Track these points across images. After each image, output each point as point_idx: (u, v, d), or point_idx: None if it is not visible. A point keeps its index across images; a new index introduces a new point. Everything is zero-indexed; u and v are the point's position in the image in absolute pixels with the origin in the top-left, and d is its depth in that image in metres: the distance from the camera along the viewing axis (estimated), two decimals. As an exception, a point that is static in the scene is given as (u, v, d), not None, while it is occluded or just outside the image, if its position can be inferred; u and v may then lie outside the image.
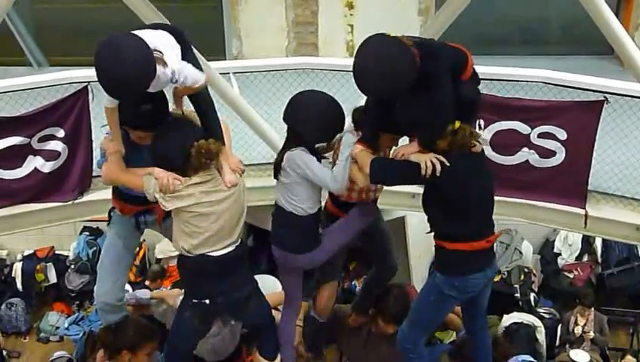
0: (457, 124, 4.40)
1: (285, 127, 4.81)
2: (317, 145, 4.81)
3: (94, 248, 11.05)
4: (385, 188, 5.34)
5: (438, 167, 4.37)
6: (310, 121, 4.68)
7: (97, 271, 5.41)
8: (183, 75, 4.46)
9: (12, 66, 11.26)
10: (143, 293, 6.08)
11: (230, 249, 4.75)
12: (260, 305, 5.10)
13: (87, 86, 6.55)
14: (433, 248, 4.82)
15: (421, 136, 4.47)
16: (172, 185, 4.53)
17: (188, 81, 4.50)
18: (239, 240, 4.83)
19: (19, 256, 11.43)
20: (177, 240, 4.73)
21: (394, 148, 4.79)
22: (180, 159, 4.55)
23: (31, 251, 11.38)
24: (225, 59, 10.76)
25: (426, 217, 4.79)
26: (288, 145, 4.77)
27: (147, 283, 10.10)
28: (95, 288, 5.36)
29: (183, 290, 5.26)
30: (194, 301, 4.86)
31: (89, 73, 6.72)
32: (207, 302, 4.81)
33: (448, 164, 4.39)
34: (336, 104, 4.76)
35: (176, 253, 5.00)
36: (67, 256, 11.36)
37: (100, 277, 5.36)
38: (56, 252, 11.51)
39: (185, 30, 4.68)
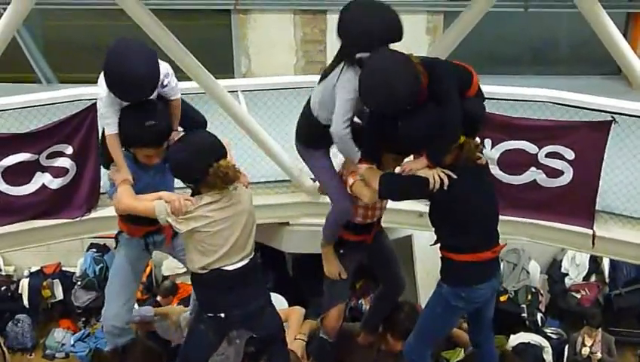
0: (462, 138, 4.45)
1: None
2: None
3: (101, 265, 11.06)
4: (392, 206, 5.35)
5: (446, 181, 4.43)
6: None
7: (105, 294, 5.40)
8: (173, 80, 4.77)
9: (21, 83, 11.31)
10: (147, 311, 6.08)
11: (245, 262, 4.76)
12: (273, 316, 5.11)
13: (95, 103, 6.56)
14: (440, 265, 4.85)
15: (430, 152, 4.50)
16: (184, 207, 4.53)
17: (173, 86, 4.80)
18: (252, 253, 4.84)
19: (25, 272, 11.44)
20: (192, 260, 4.73)
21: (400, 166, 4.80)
22: (197, 174, 4.56)
23: (38, 267, 11.39)
24: (233, 77, 10.80)
25: (433, 236, 4.81)
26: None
27: (159, 298, 10.12)
28: (103, 311, 5.35)
29: (190, 306, 5.27)
30: (209, 315, 4.86)
31: (98, 90, 6.77)
32: (223, 315, 4.82)
33: (455, 178, 4.44)
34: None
35: (184, 269, 5.01)
36: (74, 273, 11.37)
37: (108, 300, 5.35)
38: (63, 268, 11.51)
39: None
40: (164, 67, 4.76)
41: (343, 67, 4.50)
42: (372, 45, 4.36)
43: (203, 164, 4.49)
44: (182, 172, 4.69)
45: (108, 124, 4.77)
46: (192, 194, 4.69)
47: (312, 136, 4.82)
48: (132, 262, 5.35)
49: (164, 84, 4.75)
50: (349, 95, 4.46)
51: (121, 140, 4.78)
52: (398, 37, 4.43)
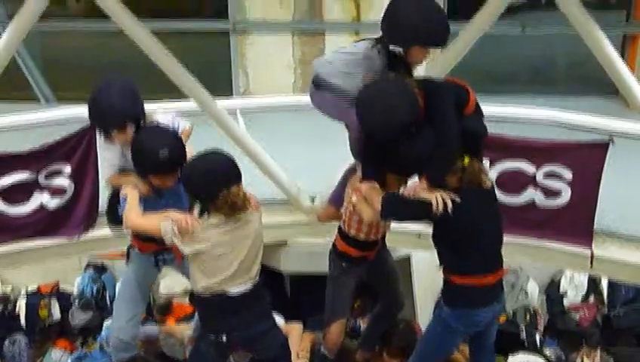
0: (467, 160, 4.45)
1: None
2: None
3: (98, 284, 11.02)
4: (391, 227, 5.34)
5: (449, 203, 4.41)
6: None
7: (113, 308, 5.46)
8: (178, 121, 5.24)
9: (20, 102, 11.31)
10: (152, 329, 6.09)
11: (248, 286, 4.76)
12: (276, 338, 5.10)
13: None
14: (439, 287, 4.84)
15: (430, 173, 4.50)
16: (191, 227, 4.52)
17: (182, 124, 5.24)
18: (257, 277, 4.82)
19: (22, 292, 11.39)
20: (196, 281, 4.72)
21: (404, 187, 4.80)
22: (207, 196, 4.58)
23: (35, 287, 11.34)
24: (232, 97, 10.82)
25: (431, 257, 4.80)
26: None
27: (158, 318, 10.10)
28: (110, 323, 5.39)
29: (193, 324, 5.26)
30: (211, 336, 4.85)
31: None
32: (225, 337, 4.80)
33: (459, 200, 4.42)
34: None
35: (181, 289, 5.02)
36: (71, 293, 11.33)
37: (115, 313, 5.42)
38: (61, 288, 11.47)
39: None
40: (168, 118, 5.17)
41: (373, 45, 4.49)
42: (410, 43, 4.36)
43: (212, 189, 4.50)
44: (191, 192, 4.72)
45: (110, 164, 5.05)
46: (201, 212, 4.70)
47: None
48: (140, 277, 5.41)
49: (174, 128, 5.09)
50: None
51: (136, 169, 4.94)
52: (441, 43, 4.45)
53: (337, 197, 5.33)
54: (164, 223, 4.59)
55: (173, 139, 4.89)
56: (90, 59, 11.89)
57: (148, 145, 4.82)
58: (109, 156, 5.19)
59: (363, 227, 5.10)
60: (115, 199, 5.19)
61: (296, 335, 5.84)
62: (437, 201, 4.40)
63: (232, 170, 4.63)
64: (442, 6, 10.62)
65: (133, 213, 4.77)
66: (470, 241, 4.60)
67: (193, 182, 4.62)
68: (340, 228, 5.29)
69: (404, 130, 4.27)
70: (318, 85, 4.76)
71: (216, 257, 4.61)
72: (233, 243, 4.64)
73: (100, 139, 5.22)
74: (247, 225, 4.70)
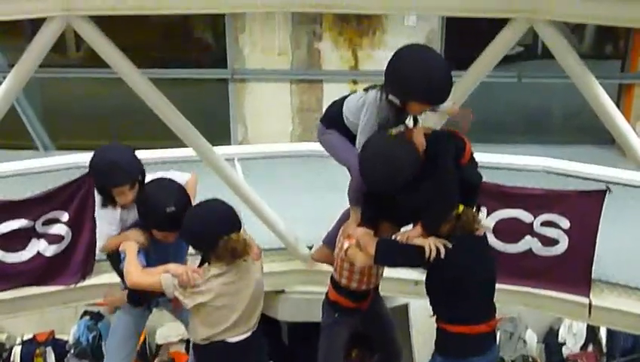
0: (461, 208, 4.46)
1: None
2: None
3: (94, 332, 10.94)
4: (387, 274, 5.33)
5: (442, 250, 4.41)
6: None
7: (106, 348, 5.44)
8: (182, 175, 5.31)
9: (19, 150, 11.36)
10: None
11: (247, 335, 4.74)
12: None
13: (92, 169, 6.61)
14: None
15: (426, 222, 4.51)
16: (192, 280, 4.50)
17: (184, 177, 5.26)
18: (256, 326, 4.80)
19: (18, 340, 11.30)
20: (196, 331, 4.70)
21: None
22: (206, 245, 4.55)
23: (30, 335, 11.25)
24: (230, 145, 10.86)
25: (429, 304, 4.79)
26: None
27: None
28: None
29: None
30: None
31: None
32: None
33: (451, 247, 4.43)
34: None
35: (178, 338, 5.00)
36: (67, 341, 11.25)
37: (107, 354, 5.38)
38: (56, 336, 11.39)
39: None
40: (168, 175, 5.24)
41: (376, 93, 4.50)
42: (407, 98, 4.35)
43: (213, 236, 4.48)
44: (191, 240, 4.70)
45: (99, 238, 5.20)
46: (202, 262, 4.68)
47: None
48: (134, 318, 5.41)
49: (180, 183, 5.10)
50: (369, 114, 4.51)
51: (140, 221, 4.94)
52: (436, 102, 4.41)
53: (332, 239, 5.34)
54: (165, 277, 4.56)
55: (181, 196, 4.87)
56: (89, 107, 11.97)
57: (155, 200, 4.81)
58: (105, 229, 5.21)
59: (354, 276, 5.09)
60: (115, 256, 5.18)
61: None
62: (430, 248, 4.41)
63: (232, 217, 4.63)
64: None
65: (133, 270, 4.72)
66: (462, 289, 4.58)
67: (193, 231, 4.60)
68: (332, 277, 5.28)
69: (405, 184, 4.30)
70: (326, 125, 4.84)
71: (218, 308, 4.58)
72: (235, 294, 4.61)
73: (97, 208, 5.24)
74: (249, 275, 4.69)
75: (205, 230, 4.53)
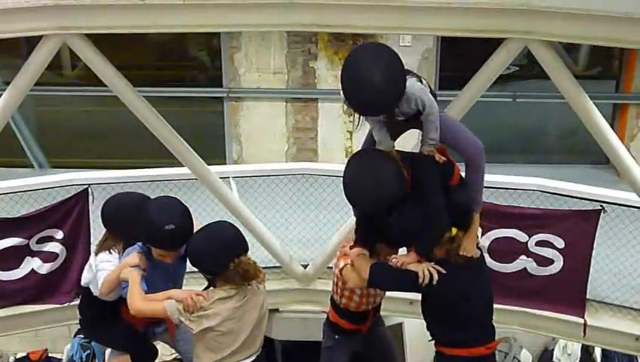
0: (454, 231, 4.43)
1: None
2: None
3: (88, 351, 10.87)
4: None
5: (436, 276, 4.37)
6: None
7: None
8: None
9: (14, 168, 11.34)
10: None
11: (252, 359, 4.68)
12: None
13: (87, 188, 6.59)
14: (432, 355, 4.78)
15: (418, 245, 4.49)
16: (198, 303, 4.44)
17: None
18: (260, 350, 4.76)
19: (11, 359, 11.26)
20: (199, 357, 4.62)
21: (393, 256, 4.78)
22: (217, 268, 4.47)
23: (24, 353, 11.20)
24: (225, 164, 10.86)
25: (423, 324, 4.76)
26: None
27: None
28: None
29: None
30: None
31: (90, 175, 6.82)
32: None
33: (445, 272, 4.40)
34: None
35: (171, 357, 4.96)
36: (60, 359, 11.19)
37: None
38: (50, 354, 11.33)
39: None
40: None
41: None
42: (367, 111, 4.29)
43: (225, 259, 4.41)
44: (202, 264, 4.57)
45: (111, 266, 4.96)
46: (208, 286, 4.62)
47: None
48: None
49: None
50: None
51: (141, 239, 4.86)
52: (367, 113, 4.32)
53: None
54: (169, 304, 4.48)
55: (183, 216, 4.71)
56: (84, 125, 11.97)
57: (154, 217, 4.65)
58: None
59: (354, 296, 5.07)
60: None
61: None
62: (423, 274, 4.38)
63: (240, 239, 4.58)
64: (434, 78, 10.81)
65: (136, 299, 4.58)
66: (458, 313, 4.54)
67: (203, 256, 4.51)
68: (332, 298, 5.26)
69: (390, 204, 4.25)
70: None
71: (224, 333, 4.51)
72: (240, 319, 4.54)
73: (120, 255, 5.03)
74: (255, 298, 4.63)
75: (217, 253, 4.45)
